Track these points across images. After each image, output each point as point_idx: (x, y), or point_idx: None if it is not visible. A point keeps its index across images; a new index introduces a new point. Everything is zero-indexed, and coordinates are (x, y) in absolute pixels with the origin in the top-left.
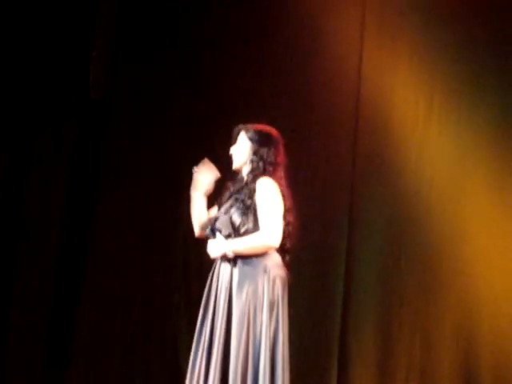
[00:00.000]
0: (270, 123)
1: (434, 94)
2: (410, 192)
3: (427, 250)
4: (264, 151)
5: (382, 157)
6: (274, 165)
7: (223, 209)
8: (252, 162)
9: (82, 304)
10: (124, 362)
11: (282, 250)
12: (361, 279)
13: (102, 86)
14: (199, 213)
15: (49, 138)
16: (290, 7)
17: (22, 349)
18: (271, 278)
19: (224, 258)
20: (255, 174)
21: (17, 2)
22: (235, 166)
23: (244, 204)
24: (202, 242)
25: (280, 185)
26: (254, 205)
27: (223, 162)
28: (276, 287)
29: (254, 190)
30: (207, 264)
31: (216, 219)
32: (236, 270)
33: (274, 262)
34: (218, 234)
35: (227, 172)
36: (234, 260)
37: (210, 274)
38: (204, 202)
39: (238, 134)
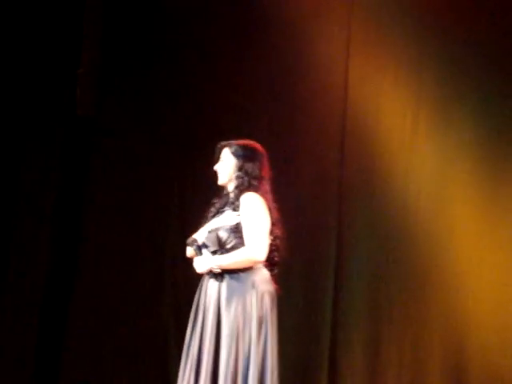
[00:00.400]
0: (255, 138)
1: (420, 105)
2: (398, 203)
3: (416, 258)
4: (249, 166)
5: (369, 169)
6: (260, 179)
7: (209, 225)
8: (237, 177)
9: (71, 311)
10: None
11: (270, 263)
12: (350, 289)
13: (88, 103)
14: None
15: (35, 154)
16: (276, 18)
17: (13, 347)
18: (259, 293)
19: (211, 273)
20: (241, 189)
21: (3, 18)
22: (221, 182)
23: (230, 220)
24: (191, 262)
25: (266, 199)
26: (240, 220)
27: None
28: (264, 303)
29: (239, 206)
30: (195, 280)
31: (202, 236)
32: (224, 286)
33: (262, 277)
34: (204, 250)
35: (212, 188)
36: (221, 275)
37: (198, 289)
38: None
39: (221, 150)
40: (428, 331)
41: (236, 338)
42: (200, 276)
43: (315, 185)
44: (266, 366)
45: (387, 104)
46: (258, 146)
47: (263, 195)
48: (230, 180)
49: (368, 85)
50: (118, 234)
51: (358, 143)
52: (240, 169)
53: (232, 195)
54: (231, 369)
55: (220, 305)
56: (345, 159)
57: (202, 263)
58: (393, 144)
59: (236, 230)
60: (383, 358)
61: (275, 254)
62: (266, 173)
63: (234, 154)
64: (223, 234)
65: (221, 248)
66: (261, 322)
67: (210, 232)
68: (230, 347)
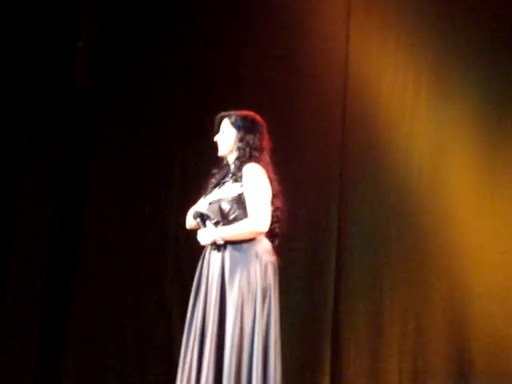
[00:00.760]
0: (256, 111)
1: (421, 76)
2: (399, 179)
3: (417, 235)
4: (250, 137)
5: (370, 144)
6: (260, 150)
7: (210, 196)
8: (238, 148)
9: (73, 296)
10: (118, 355)
11: (271, 234)
12: (352, 265)
13: (88, 77)
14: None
15: (35, 129)
16: None
17: (15, 339)
18: (263, 263)
19: (214, 245)
20: (242, 160)
21: None
22: (221, 153)
23: (232, 191)
24: (193, 233)
25: (267, 170)
26: (242, 191)
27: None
28: (268, 274)
29: (241, 177)
30: (198, 254)
31: (203, 207)
32: (227, 257)
33: (265, 247)
34: (207, 222)
35: (212, 159)
36: (224, 246)
37: (200, 261)
38: None
39: (221, 121)
40: (431, 301)
41: (241, 309)
42: (202, 247)
43: (316, 158)
44: (269, 336)
45: (388, 75)
46: (257, 116)
47: (264, 166)
48: (230, 151)
49: (369, 54)
50: (120, 208)
51: (360, 115)
52: (241, 140)
53: (233, 166)
54: (237, 340)
55: (224, 276)
56: (346, 132)
57: (207, 235)
58: (394, 115)
59: (238, 201)
60: (386, 327)
61: (276, 225)
62: (267, 144)
63: (234, 124)
64: (225, 206)
65: (223, 219)
66: (265, 293)
67: (210, 204)
68: (235, 317)
